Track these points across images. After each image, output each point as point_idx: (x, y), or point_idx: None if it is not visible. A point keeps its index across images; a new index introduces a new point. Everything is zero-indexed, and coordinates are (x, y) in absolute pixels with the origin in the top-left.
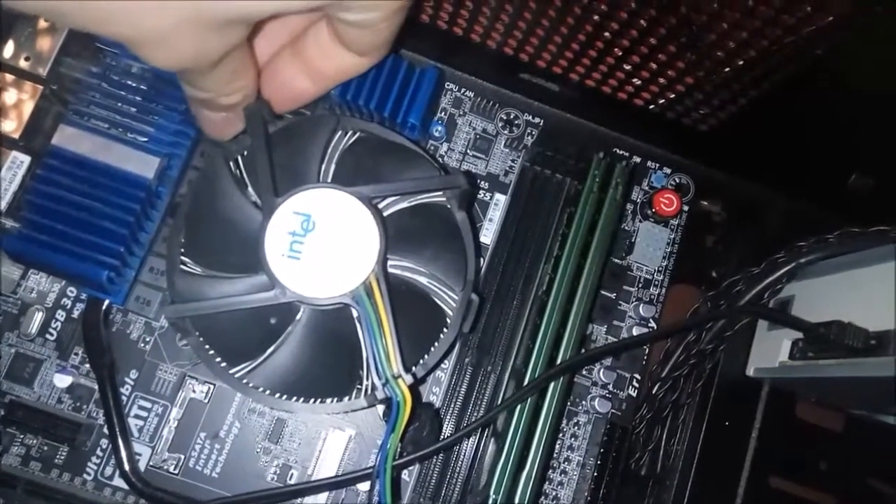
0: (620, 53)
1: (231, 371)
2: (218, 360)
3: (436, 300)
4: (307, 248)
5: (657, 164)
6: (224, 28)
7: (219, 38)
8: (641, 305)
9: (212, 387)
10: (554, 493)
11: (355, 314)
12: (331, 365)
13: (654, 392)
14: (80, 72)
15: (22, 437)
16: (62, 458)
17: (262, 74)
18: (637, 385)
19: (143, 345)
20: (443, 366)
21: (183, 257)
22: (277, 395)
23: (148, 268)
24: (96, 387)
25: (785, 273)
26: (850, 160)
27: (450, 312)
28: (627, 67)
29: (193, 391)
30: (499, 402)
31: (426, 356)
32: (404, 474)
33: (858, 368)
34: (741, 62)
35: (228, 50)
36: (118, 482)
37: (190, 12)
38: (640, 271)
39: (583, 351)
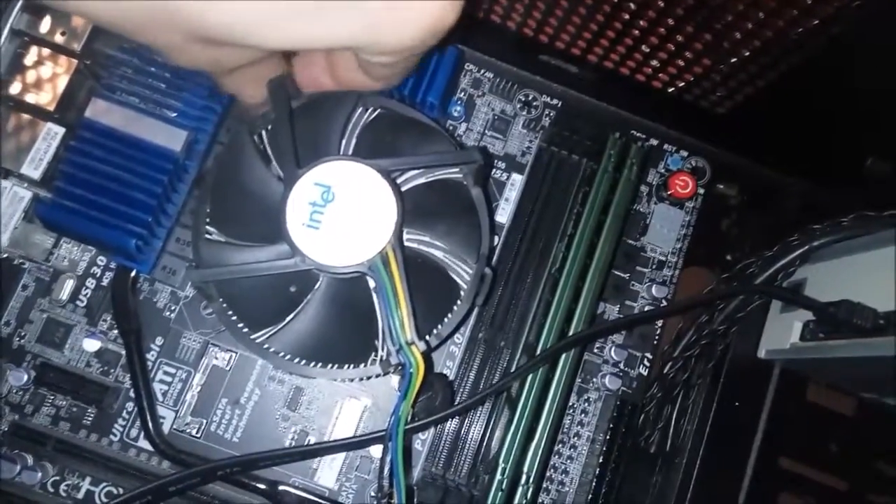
0: (638, 34)
1: (252, 336)
2: (240, 325)
3: (450, 273)
4: (327, 218)
5: (674, 147)
6: (232, 48)
7: (229, 53)
8: (654, 286)
9: (233, 355)
10: (563, 467)
11: (372, 285)
12: (348, 333)
13: (665, 372)
14: (112, 48)
15: (52, 397)
16: (90, 418)
17: (296, 60)
18: (648, 364)
19: (168, 313)
20: (456, 340)
21: (208, 227)
22: (296, 360)
23: (174, 238)
24: (123, 352)
25: (798, 255)
26: (867, 144)
27: (463, 285)
28: (645, 49)
29: (216, 358)
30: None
31: (439, 327)
32: (416, 444)
33: (867, 348)
34: (758, 43)
35: (242, 63)
36: (143, 443)
37: (192, 31)
38: (655, 252)
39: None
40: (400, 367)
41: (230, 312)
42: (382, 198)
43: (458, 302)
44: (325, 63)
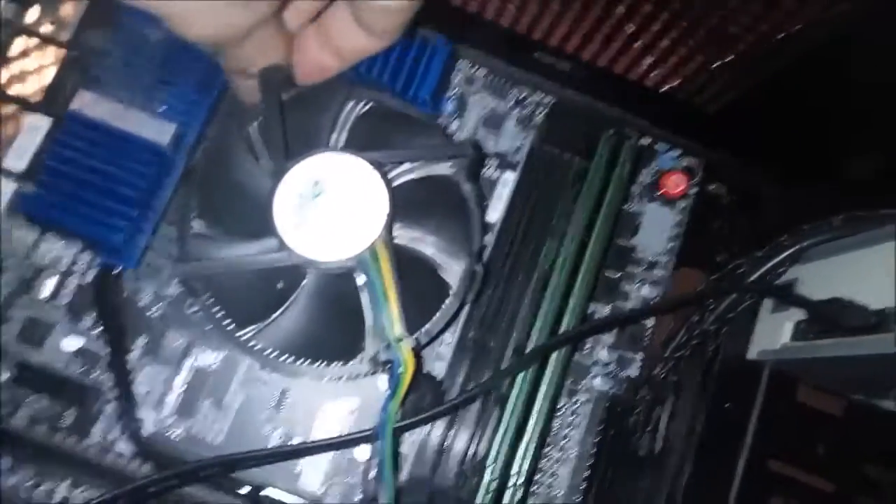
0: (631, 32)
1: (238, 333)
2: (226, 322)
3: (440, 270)
4: (316, 212)
5: (666, 147)
6: (247, 4)
7: (243, 13)
8: (646, 286)
9: (218, 355)
10: (552, 471)
11: (360, 282)
12: (336, 330)
13: (654, 373)
14: (100, 39)
15: (30, 398)
16: (69, 420)
17: (294, 48)
18: (638, 366)
19: (152, 312)
20: (446, 341)
21: (194, 221)
22: (283, 357)
23: (159, 235)
24: (105, 352)
25: (788, 256)
26: (859, 144)
27: (454, 283)
28: (638, 45)
29: (199, 359)
30: None
31: (429, 324)
32: (403, 447)
33: (858, 347)
34: (751, 39)
35: (254, 24)
36: (123, 446)
37: None
38: (646, 253)
39: None
40: (388, 365)
41: (216, 308)
42: (372, 192)
43: (448, 299)
44: (319, 38)
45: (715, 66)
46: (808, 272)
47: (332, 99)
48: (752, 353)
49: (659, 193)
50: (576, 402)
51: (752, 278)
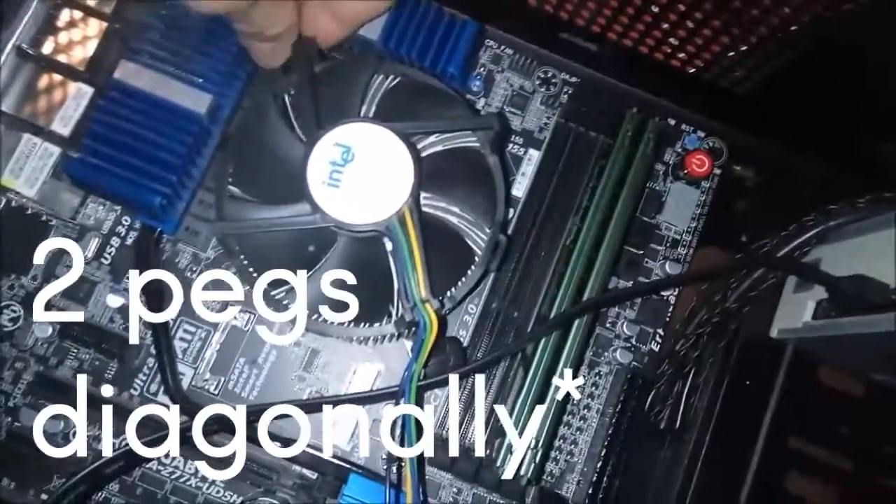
0: (657, 11)
1: (272, 293)
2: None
3: (465, 239)
4: (346, 178)
5: (691, 127)
6: None
7: None
8: (668, 263)
9: (252, 316)
10: (573, 438)
11: (389, 248)
12: (364, 294)
13: (676, 349)
14: (141, 12)
15: (76, 351)
16: (112, 372)
17: (302, 20)
18: (660, 340)
19: (189, 273)
20: (470, 310)
21: (231, 186)
22: (313, 317)
23: (197, 201)
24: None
25: (814, 235)
26: (886, 126)
27: (478, 251)
28: (664, 26)
29: (235, 318)
30: None
31: (454, 290)
32: (427, 408)
33: (879, 324)
34: (776, 21)
35: None
36: (162, 398)
37: None
38: (669, 231)
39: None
40: (414, 328)
41: (251, 269)
42: (400, 160)
43: (473, 267)
44: (322, 7)
45: (742, 46)
46: (831, 252)
47: (361, 72)
48: (774, 332)
49: (683, 173)
50: (597, 374)
51: (776, 256)
